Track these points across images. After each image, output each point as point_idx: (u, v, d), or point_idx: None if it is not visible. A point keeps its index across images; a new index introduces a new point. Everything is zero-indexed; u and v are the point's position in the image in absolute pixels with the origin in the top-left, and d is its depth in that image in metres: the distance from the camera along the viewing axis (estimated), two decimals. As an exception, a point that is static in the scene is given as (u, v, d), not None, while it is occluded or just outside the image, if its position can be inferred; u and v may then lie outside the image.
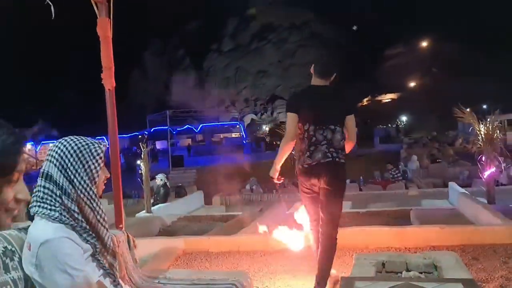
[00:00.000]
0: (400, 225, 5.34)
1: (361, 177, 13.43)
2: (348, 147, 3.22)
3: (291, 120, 3.15)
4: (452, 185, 9.01)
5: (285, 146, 3.22)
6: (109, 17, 3.47)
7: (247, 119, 45.36)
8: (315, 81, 3.29)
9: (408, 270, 2.18)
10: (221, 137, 36.67)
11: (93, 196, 1.46)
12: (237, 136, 36.46)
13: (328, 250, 3.00)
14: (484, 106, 31.07)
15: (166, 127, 28.74)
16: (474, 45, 36.82)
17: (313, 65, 3.33)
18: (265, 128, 44.10)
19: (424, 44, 43.17)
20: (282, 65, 48.56)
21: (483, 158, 7.01)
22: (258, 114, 48.82)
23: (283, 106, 52.82)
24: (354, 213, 7.83)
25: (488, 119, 7.03)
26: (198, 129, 35.23)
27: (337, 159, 3.07)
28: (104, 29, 3.42)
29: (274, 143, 25.95)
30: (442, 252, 2.49)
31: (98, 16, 3.45)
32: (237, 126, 37.63)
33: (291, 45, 48.92)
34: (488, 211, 5.02)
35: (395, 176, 13.72)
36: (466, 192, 7.53)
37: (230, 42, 50.57)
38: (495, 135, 6.92)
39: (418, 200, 10.03)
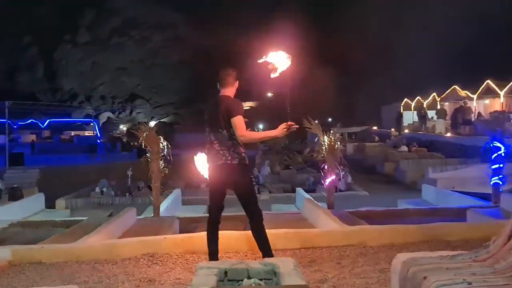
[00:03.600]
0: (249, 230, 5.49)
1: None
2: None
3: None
4: (299, 190, 9.71)
5: None
6: None
7: (103, 117, 42.63)
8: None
9: (249, 278, 2.17)
10: (72, 134, 33.65)
11: None
12: (90, 134, 33.90)
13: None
14: (329, 119, 34.63)
15: (4, 120, 25.18)
16: (324, 63, 40.74)
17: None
18: (123, 127, 42.01)
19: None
20: (144, 64, 46.91)
21: (326, 167, 7.67)
22: (115, 113, 46.27)
23: (143, 106, 50.66)
24: (206, 217, 7.86)
25: (332, 131, 7.72)
26: (45, 124, 31.79)
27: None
28: None
29: (132, 143, 24.76)
30: (281, 259, 2.57)
31: None
32: (91, 124, 35.03)
33: (154, 44, 47.58)
34: (326, 215, 5.46)
35: (250, 181, 14.28)
36: (310, 197, 8.14)
37: (87, 34, 46.88)
38: (336, 146, 7.63)
39: (269, 204, 10.56)
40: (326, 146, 7.48)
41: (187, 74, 45.63)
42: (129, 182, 12.51)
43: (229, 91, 3.81)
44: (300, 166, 18.32)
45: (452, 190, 10.30)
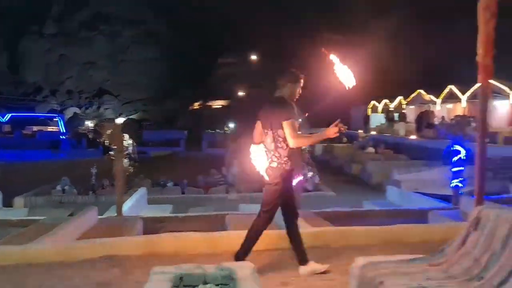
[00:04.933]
0: (216, 230, 5.43)
1: (185, 181, 13.46)
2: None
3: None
4: (266, 190, 9.67)
5: None
6: None
7: (69, 113, 41.41)
8: None
9: (205, 283, 2.11)
10: (34, 130, 32.45)
11: None
12: (54, 130, 32.80)
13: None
14: (299, 120, 34.80)
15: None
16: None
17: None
18: (89, 123, 40.94)
19: (254, 57, 46.27)
20: (113, 58, 45.85)
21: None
22: (82, 108, 45.04)
23: (111, 102, 49.57)
24: (173, 217, 7.73)
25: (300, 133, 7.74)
26: (6, 118, 30.57)
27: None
28: None
29: (98, 140, 24.15)
30: (240, 263, 2.52)
31: None
32: (56, 119, 33.92)
33: (124, 39, 46.59)
34: (291, 216, 5.44)
35: (218, 180, 14.19)
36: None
37: (54, 26, 45.41)
38: (304, 147, 7.65)
39: (237, 204, 10.49)
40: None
41: (158, 70, 44.97)
42: (94, 180, 12.16)
43: (283, 92, 3.73)
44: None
45: (415, 192, 10.54)
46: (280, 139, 3.54)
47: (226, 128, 40.26)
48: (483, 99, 3.01)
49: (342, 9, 35.00)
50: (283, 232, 5.14)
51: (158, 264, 4.03)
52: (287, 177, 3.69)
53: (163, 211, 9.10)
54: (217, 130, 40.17)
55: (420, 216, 7.33)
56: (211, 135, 36.56)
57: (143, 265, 4.18)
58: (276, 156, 3.59)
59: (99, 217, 6.58)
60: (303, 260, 3.78)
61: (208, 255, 4.41)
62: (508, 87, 18.29)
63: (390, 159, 17.83)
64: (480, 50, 2.80)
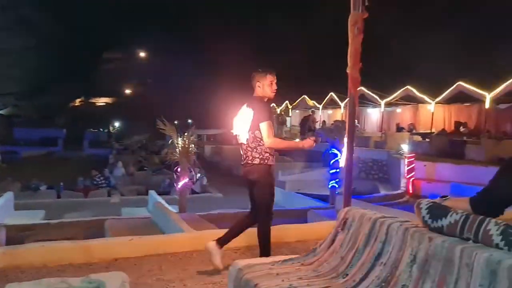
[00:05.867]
0: (94, 236, 5.07)
1: (61, 183, 12.39)
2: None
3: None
4: (152, 193, 9.36)
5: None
6: None
7: None
8: None
9: (69, 299, 1.91)
10: None
11: None
12: None
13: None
14: (189, 121, 34.59)
15: None
16: (185, 64, 40.51)
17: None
18: None
19: (142, 54, 44.69)
20: (-22, 46, 40.41)
21: (179, 169, 7.54)
22: None
23: (-27, 95, 43.04)
24: (45, 224, 7.05)
25: (186, 133, 7.62)
26: None
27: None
28: None
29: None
30: (111, 274, 2.35)
31: None
32: None
33: (-9, 26, 41.38)
34: (175, 220, 5.32)
35: (100, 182, 13.34)
36: (160, 200, 7.91)
37: None
38: (190, 148, 7.55)
39: (119, 208, 9.98)
40: (180, 148, 7.35)
41: (32, 62, 40.76)
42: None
43: (256, 92, 3.86)
44: (157, 167, 17.84)
45: (297, 192, 11.12)
46: (258, 139, 3.74)
47: (111, 127, 38.21)
48: (351, 106, 3.26)
49: (230, 8, 35.65)
50: (165, 236, 5.02)
51: (20, 279, 3.62)
52: (270, 172, 3.86)
53: (33, 217, 8.25)
54: (101, 129, 37.89)
55: (301, 215, 7.74)
56: (93, 134, 34.36)
57: (2, 279, 3.70)
58: (258, 153, 3.76)
59: None
60: (221, 243, 3.95)
61: (81, 266, 4.07)
62: (379, 96, 20.33)
63: (276, 160, 18.56)
64: (349, 62, 3.02)
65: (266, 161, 3.77)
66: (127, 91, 42.00)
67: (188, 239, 4.60)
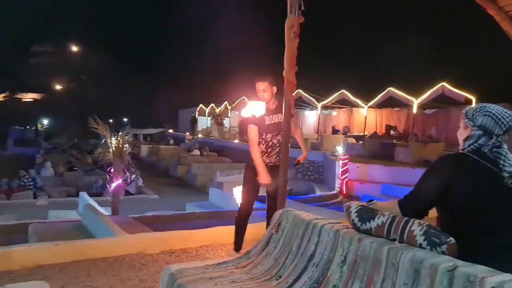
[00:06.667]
0: (17, 242, 4.72)
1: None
2: None
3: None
4: (82, 194, 8.92)
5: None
6: None
7: None
8: None
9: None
10: None
11: None
12: None
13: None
14: (125, 119, 33.49)
15: None
16: (121, 60, 39.19)
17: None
18: None
19: (75, 49, 42.53)
20: None
21: (112, 170, 7.25)
22: None
23: None
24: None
25: (120, 133, 7.34)
26: None
27: None
28: None
29: None
30: (29, 283, 2.17)
31: None
32: None
33: None
34: (106, 223, 5.09)
35: (27, 184, 12.51)
36: (91, 202, 7.55)
37: None
38: (125, 148, 7.29)
39: (46, 211, 9.39)
40: (113, 148, 7.07)
41: None
42: None
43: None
44: (89, 167, 17.05)
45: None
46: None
47: (39, 125, 35.93)
48: (287, 109, 3.29)
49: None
50: (94, 241, 4.77)
51: None
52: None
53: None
54: (28, 127, 35.52)
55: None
56: (19, 132, 32.11)
57: None
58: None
59: None
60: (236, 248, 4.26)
61: (1, 274, 3.77)
62: (316, 99, 20.91)
63: (214, 161, 18.49)
64: (285, 65, 3.04)
65: (264, 159, 4.08)
66: (58, 87, 39.74)
67: (120, 243, 4.41)
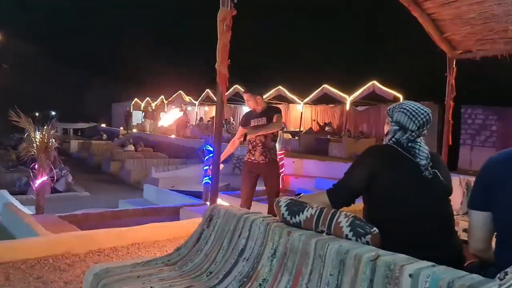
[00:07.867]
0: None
1: None
2: None
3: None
4: (2, 192, 8.29)
5: None
6: None
7: None
8: None
9: None
10: None
11: None
12: None
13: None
14: (53, 113, 31.65)
15: None
16: (51, 51, 36.90)
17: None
18: None
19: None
20: None
21: (36, 166, 6.81)
22: None
23: None
24: None
25: (45, 127, 6.89)
26: None
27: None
28: None
29: None
30: None
31: None
32: None
33: None
34: (28, 222, 4.77)
35: None
36: (12, 201, 7.05)
37: None
38: (50, 143, 6.86)
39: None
40: (38, 143, 6.63)
41: None
42: None
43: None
44: (12, 163, 15.91)
45: (171, 189, 10.89)
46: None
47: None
48: (219, 102, 3.25)
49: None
50: (14, 242, 4.45)
51: None
52: (246, 167, 4.81)
53: None
54: None
55: (173, 214, 7.58)
56: None
57: None
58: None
59: None
60: None
61: None
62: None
63: (149, 157, 18.02)
64: (218, 58, 3.01)
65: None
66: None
67: (43, 244, 4.14)
